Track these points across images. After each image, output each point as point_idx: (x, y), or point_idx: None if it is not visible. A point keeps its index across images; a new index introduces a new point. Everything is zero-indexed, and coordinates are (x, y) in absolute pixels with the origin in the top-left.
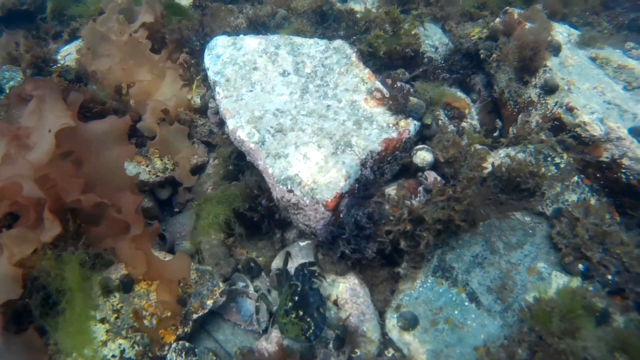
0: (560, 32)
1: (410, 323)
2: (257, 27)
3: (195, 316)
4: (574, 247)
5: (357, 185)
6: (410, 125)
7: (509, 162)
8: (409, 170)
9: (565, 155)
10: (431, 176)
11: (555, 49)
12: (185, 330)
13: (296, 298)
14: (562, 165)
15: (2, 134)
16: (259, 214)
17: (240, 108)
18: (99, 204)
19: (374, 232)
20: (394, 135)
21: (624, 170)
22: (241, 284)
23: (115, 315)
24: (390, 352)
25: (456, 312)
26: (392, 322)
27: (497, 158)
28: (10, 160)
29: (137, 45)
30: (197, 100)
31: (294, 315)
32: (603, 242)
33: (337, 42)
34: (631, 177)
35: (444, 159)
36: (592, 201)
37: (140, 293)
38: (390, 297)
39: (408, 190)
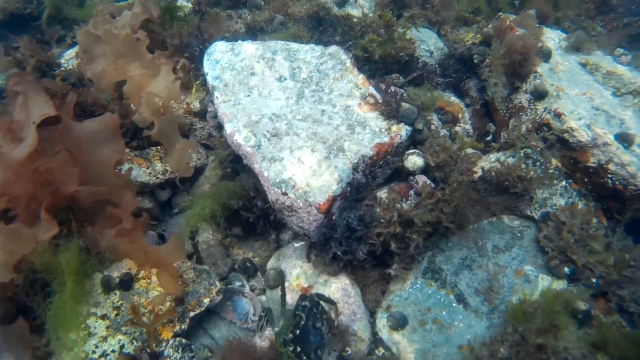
0: (552, 38)
1: (399, 323)
2: (256, 32)
3: (192, 314)
4: (560, 251)
5: (349, 188)
6: (402, 130)
7: (498, 166)
8: (401, 174)
9: (553, 161)
10: (422, 180)
11: (546, 55)
12: (183, 327)
13: (297, 332)
14: (550, 171)
15: None
16: (255, 215)
17: (238, 112)
18: (97, 201)
19: (365, 234)
20: (386, 140)
21: (610, 176)
22: (237, 283)
23: (116, 312)
24: (380, 351)
25: (444, 312)
26: (382, 322)
27: (487, 162)
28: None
29: (134, 43)
30: (197, 104)
31: (291, 349)
32: (588, 245)
33: (333, 48)
34: (617, 182)
35: (434, 163)
36: (580, 205)
37: (140, 291)
38: (380, 298)
39: (399, 193)
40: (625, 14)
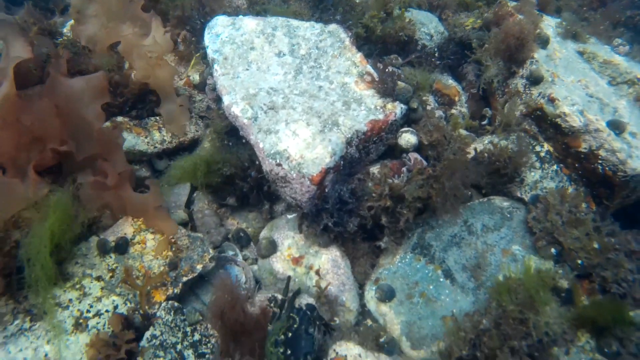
0: (551, 26)
1: (387, 295)
2: (257, 8)
3: (185, 279)
4: (547, 232)
5: (342, 162)
6: (397, 109)
7: (491, 148)
8: (394, 152)
9: (546, 145)
10: (414, 158)
11: (544, 42)
12: (175, 291)
13: (289, 335)
14: (542, 154)
15: None
16: (249, 184)
17: (236, 85)
18: (87, 158)
19: (357, 207)
20: (381, 117)
21: (600, 161)
22: (230, 252)
23: (110, 274)
24: (368, 322)
25: (431, 287)
26: (370, 294)
27: (481, 144)
28: None
29: (127, 4)
30: (196, 77)
31: (281, 351)
32: (576, 228)
33: (332, 26)
34: (607, 168)
35: (427, 142)
36: (570, 190)
37: (135, 255)
38: (370, 271)
39: (391, 169)
40: (628, 7)
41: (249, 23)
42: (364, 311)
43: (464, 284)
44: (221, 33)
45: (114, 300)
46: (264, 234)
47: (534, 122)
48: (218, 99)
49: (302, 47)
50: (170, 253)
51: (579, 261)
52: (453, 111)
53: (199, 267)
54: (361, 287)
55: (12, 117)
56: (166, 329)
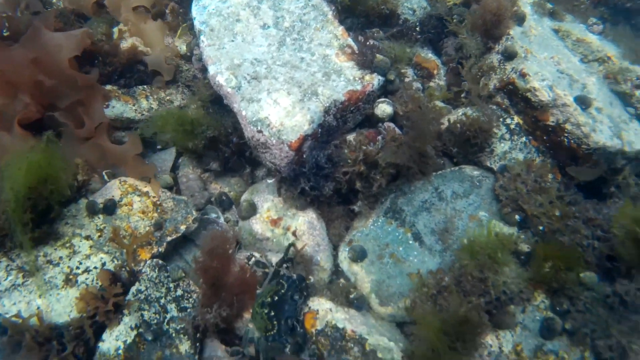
0: (529, 3)
1: (359, 255)
2: None
3: (169, 239)
4: (513, 200)
5: (320, 129)
6: (374, 80)
7: (463, 119)
8: (371, 121)
9: (516, 117)
10: (390, 127)
11: (520, 19)
12: (160, 250)
13: (276, 298)
14: (512, 127)
15: None
16: (231, 150)
17: (222, 56)
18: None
19: (332, 172)
20: (359, 87)
21: (566, 135)
22: (213, 215)
23: (99, 234)
24: (341, 281)
25: (401, 248)
26: (343, 254)
27: (455, 116)
28: None
29: None
30: (183, 47)
31: (266, 311)
32: (539, 196)
33: (316, 0)
34: (572, 141)
35: (403, 113)
36: (537, 161)
37: (122, 216)
38: (344, 233)
39: (367, 138)
40: None
41: None
42: (337, 270)
43: (431, 246)
44: (208, 5)
45: (102, 258)
46: (244, 197)
47: (506, 95)
48: (204, 69)
49: (287, 20)
50: (155, 214)
51: (541, 227)
52: (431, 84)
53: (183, 227)
54: (335, 248)
55: None
56: (151, 285)
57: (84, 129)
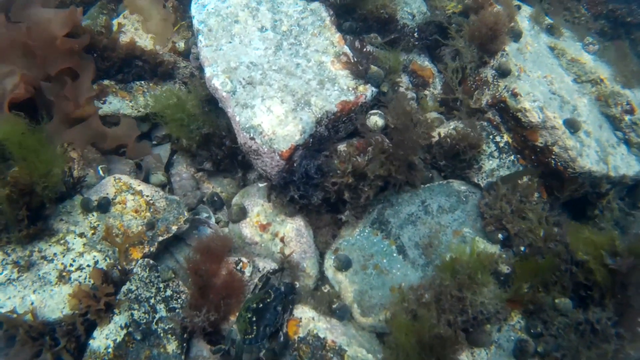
0: (527, 17)
1: (344, 264)
2: None
3: (160, 238)
4: (497, 218)
5: (311, 140)
6: (367, 91)
7: (454, 133)
8: (363, 131)
9: (505, 135)
10: (378, 139)
11: (517, 35)
12: (151, 249)
13: (261, 305)
14: (501, 145)
15: None
16: (223, 152)
17: (218, 58)
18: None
19: (322, 182)
20: (352, 98)
21: (553, 157)
22: (204, 215)
23: (92, 231)
24: (326, 288)
25: (385, 260)
26: (329, 262)
27: (446, 129)
28: None
29: None
30: (182, 45)
31: (249, 315)
32: (523, 217)
33: (315, 4)
34: (559, 164)
35: (394, 125)
36: (524, 179)
37: (115, 214)
38: (331, 241)
39: (357, 148)
40: (610, 0)
41: None
42: (323, 277)
43: (414, 260)
44: (207, 4)
45: (95, 256)
46: (235, 200)
47: (498, 112)
48: (201, 68)
49: (284, 24)
50: (148, 214)
51: (522, 247)
52: (426, 92)
53: (174, 228)
54: (322, 255)
55: None
56: (141, 284)
57: (73, 102)
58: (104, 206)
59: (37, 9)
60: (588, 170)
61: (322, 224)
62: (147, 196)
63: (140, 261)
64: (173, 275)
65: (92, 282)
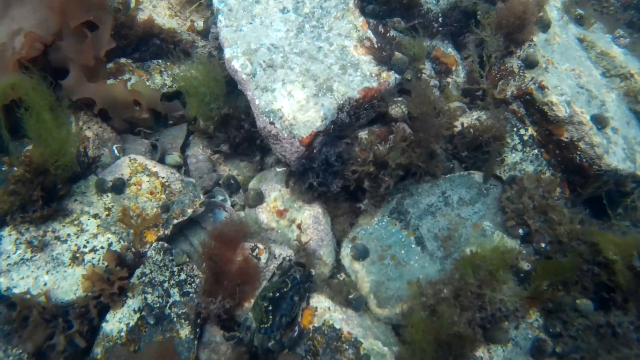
0: (557, 7)
1: (361, 254)
2: None
3: (175, 221)
4: (518, 213)
5: (332, 126)
6: (391, 78)
7: (477, 124)
8: (384, 118)
9: (530, 129)
10: (402, 127)
11: (545, 26)
12: (166, 232)
13: (277, 294)
14: (525, 138)
15: None
16: (242, 135)
17: (238, 39)
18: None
19: (341, 169)
20: (374, 85)
21: (579, 152)
22: (220, 198)
23: (107, 212)
24: (341, 276)
25: (402, 251)
26: (346, 251)
27: (469, 119)
28: None
29: None
30: (200, 24)
31: (265, 304)
32: (545, 213)
33: None
34: (584, 160)
35: (417, 114)
36: (547, 174)
37: (130, 195)
38: (348, 229)
39: (379, 136)
40: None
41: None
42: (338, 266)
43: (433, 252)
44: None
45: (108, 238)
46: (252, 184)
47: (523, 104)
48: (220, 48)
49: (307, 5)
50: (163, 196)
51: (543, 244)
52: (449, 80)
53: (190, 211)
54: (339, 243)
55: None
56: (155, 268)
57: (89, 55)
58: (119, 187)
59: None
60: (614, 169)
61: (339, 212)
62: (163, 178)
63: (154, 244)
64: (187, 259)
65: (105, 264)
